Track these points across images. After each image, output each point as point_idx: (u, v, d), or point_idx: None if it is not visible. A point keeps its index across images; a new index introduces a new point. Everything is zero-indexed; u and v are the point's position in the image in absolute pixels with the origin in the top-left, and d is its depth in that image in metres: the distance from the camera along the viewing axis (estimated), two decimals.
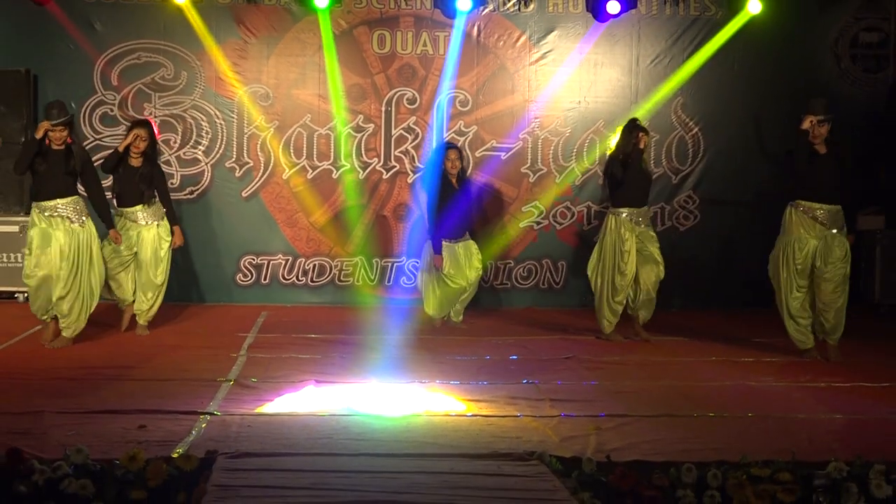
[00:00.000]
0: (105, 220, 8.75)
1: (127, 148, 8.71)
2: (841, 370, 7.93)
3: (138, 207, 8.86)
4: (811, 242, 8.30)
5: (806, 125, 8.24)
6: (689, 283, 11.04)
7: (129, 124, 9.33)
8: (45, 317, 8.47)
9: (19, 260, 9.96)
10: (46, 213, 8.28)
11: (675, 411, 6.45)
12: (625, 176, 8.91)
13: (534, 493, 4.63)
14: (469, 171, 10.70)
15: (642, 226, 9.04)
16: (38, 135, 8.22)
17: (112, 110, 10.85)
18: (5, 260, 10.58)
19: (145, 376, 7.29)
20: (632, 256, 8.93)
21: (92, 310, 8.52)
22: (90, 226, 8.46)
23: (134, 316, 9.06)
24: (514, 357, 8.35)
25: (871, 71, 11.59)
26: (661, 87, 11.33)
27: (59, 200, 8.30)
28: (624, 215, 8.98)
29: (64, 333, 8.37)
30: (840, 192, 8.34)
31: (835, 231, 8.29)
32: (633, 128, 9.05)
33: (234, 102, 11.15)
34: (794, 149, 8.42)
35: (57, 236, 8.26)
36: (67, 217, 8.31)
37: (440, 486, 4.66)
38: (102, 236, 8.72)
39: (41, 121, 8.44)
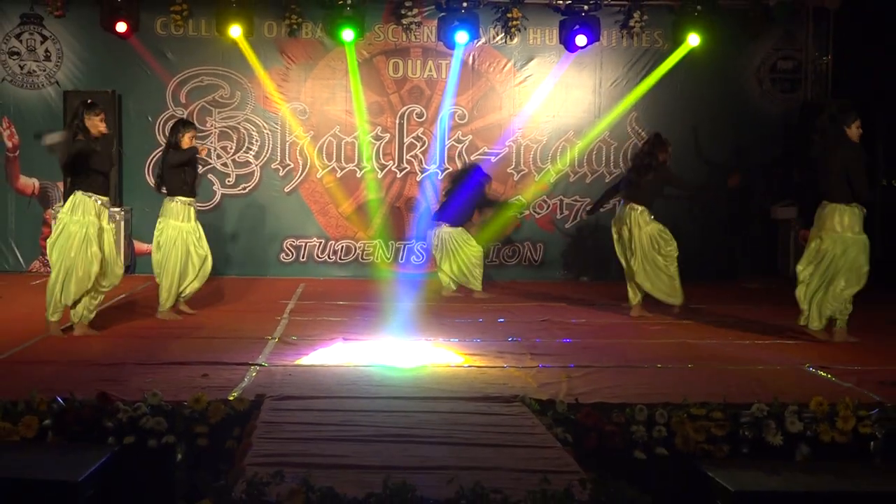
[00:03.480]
0: None
1: (195, 150, 7.96)
2: (762, 330, 7.82)
3: (188, 199, 7.91)
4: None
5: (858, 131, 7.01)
6: None
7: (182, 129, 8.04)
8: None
9: None
10: (98, 204, 6.98)
11: (631, 363, 6.41)
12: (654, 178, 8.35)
13: (517, 429, 4.62)
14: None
15: (651, 217, 8.47)
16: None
17: None
18: None
19: (207, 335, 7.27)
20: (642, 242, 8.38)
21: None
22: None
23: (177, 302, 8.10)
24: (502, 320, 8.31)
25: (787, 91, 11.51)
26: (620, 104, 11.25)
27: (107, 197, 7.13)
28: (639, 211, 8.41)
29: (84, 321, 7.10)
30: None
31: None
32: (665, 142, 8.42)
33: (278, 116, 11.11)
34: (860, 157, 7.00)
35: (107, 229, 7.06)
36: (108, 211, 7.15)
37: (442, 423, 4.65)
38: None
39: (92, 121, 6.92)
